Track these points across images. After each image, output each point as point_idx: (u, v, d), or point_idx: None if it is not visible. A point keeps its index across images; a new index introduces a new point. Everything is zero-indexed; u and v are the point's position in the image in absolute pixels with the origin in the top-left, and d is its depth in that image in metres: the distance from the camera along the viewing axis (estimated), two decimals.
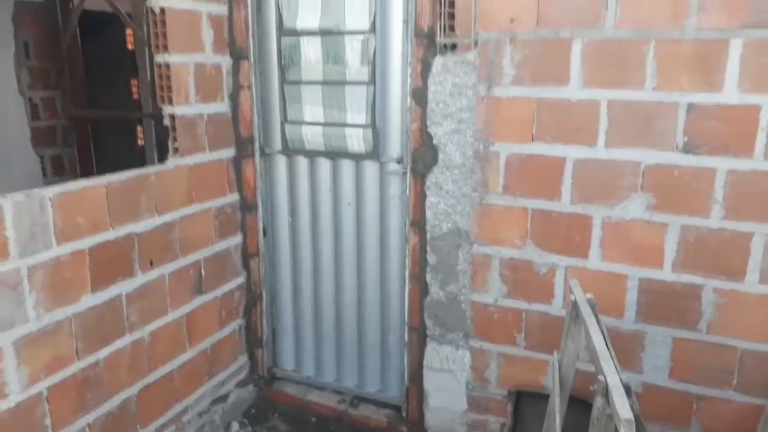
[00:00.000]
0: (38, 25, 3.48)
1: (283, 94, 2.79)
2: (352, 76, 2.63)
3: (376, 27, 2.54)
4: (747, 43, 1.89)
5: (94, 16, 3.60)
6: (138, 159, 3.45)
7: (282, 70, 2.77)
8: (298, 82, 2.75)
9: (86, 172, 3.66)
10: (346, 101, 2.66)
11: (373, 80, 2.59)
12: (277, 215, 2.98)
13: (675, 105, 2.01)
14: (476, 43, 2.27)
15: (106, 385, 2.22)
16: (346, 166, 2.76)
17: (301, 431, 2.94)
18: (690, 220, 2.07)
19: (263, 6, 2.73)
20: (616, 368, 1.52)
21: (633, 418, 1.30)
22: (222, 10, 2.69)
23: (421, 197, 2.51)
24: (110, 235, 2.18)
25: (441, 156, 2.42)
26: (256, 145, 2.86)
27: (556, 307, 2.34)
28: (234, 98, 2.79)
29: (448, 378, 2.64)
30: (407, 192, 2.56)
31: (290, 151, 2.85)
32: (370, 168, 2.71)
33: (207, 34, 2.61)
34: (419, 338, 2.67)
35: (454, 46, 2.31)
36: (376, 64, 2.57)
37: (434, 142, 2.42)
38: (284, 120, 2.82)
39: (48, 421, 1.99)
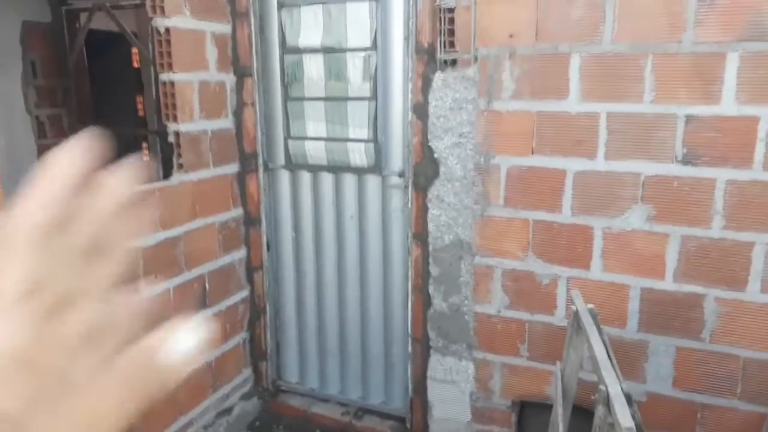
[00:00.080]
0: (45, 45, 3.47)
1: (287, 111, 2.77)
2: (354, 92, 2.61)
3: (378, 44, 2.52)
4: (744, 55, 1.87)
5: (100, 36, 3.58)
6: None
7: (285, 87, 2.75)
8: (301, 99, 2.73)
9: None
10: (349, 117, 2.64)
11: (374, 96, 2.57)
12: (281, 229, 2.94)
13: (674, 117, 1.98)
14: (476, 58, 2.25)
15: None
16: (349, 180, 2.73)
17: None
18: (690, 230, 2.04)
19: (266, 25, 2.71)
20: (617, 377, 1.49)
21: (634, 427, 1.27)
22: (226, 29, 2.67)
23: (423, 210, 2.47)
24: None
25: (442, 169, 2.39)
26: (260, 161, 2.83)
27: (559, 318, 2.30)
28: (238, 115, 2.76)
29: (452, 389, 2.59)
30: (409, 205, 2.53)
31: (293, 165, 2.82)
32: (373, 182, 2.68)
33: (211, 53, 2.59)
34: (423, 350, 2.63)
35: (454, 62, 2.29)
36: (377, 80, 2.55)
37: (435, 155, 2.40)
38: (287, 135, 2.80)
39: None
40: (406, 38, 2.43)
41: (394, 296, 2.75)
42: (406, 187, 2.55)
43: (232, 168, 2.77)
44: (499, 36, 2.19)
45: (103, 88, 3.75)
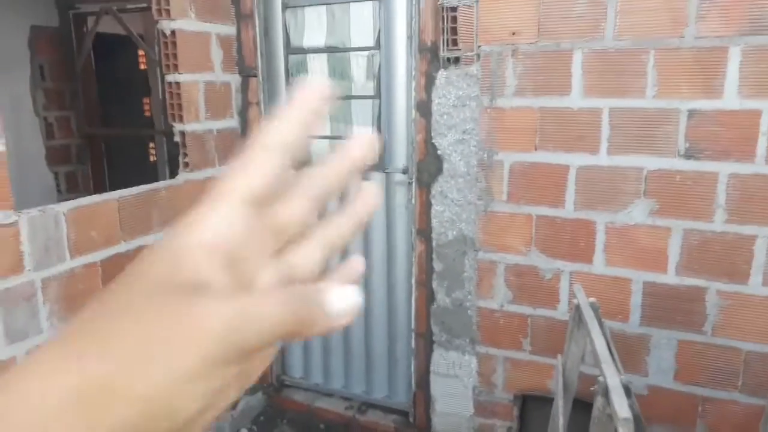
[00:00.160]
0: (53, 49, 3.42)
1: None
2: (358, 91, 2.56)
3: (381, 43, 2.46)
4: (745, 50, 1.82)
5: (107, 39, 3.54)
6: (150, 175, 3.36)
7: (290, 86, 2.70)
8: None
9: (99, 189, 3.58)
10: (353, 115, 2.58)
11: (378, 94, 2.52)
12: None
13: (676, 112, 1.93)
14: (479, 56, 2.19)
15: None
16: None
17: None
18: (693, 224, 1.98)
19: (271, 26, 2.66)
20: (617, 369, 1.44)
21: (632, 418, 1.23)
22: (231, 30, 2.62)
23: (426, 206, 2.42)
24: (122, 248, 2.09)
25: (446, 166, 2.34)
26: None
27: (561, 312, 2.24)
28: (243, 114, 2.71)
29: (455, 383, 2.53)
30: (413, 201, 2.48)
31: (298, 164, 2.76)
32: (376, 179, 2.62)
33: (216, 54, 2.54)
34: (426, 344, 2.57)
35: (457, 60, 2.24)
36: (381, 78, 2.49)
37: (439, 152, 2.34)
38: None
39: None
40: (409, 37, 2.38)
41: (398, 292, 2.69)
42: (410, 183, 2.49)
43: None
44: (501, 33, 2.14)
45: (110, 90, 3.70)
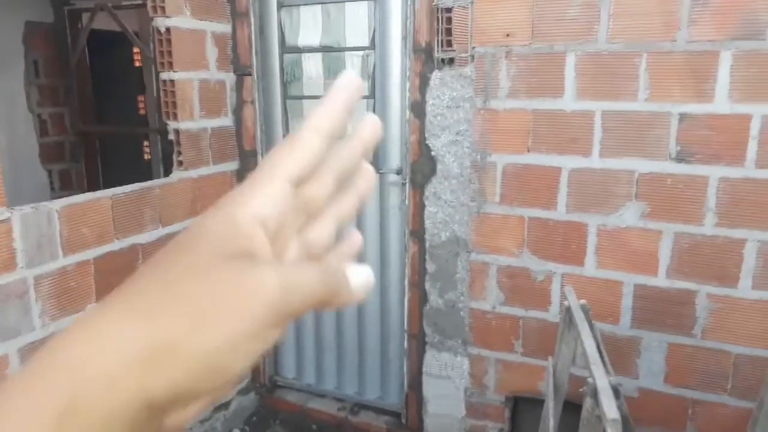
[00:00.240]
0: (48, 45, 3.44)
1: (286, 109, 2.75)
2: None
3: (376, 43, 2.50)
4: (736, 54, 1.85)
5: (102, 35, 3.56)
6: (145, 173, 3.39)
7: (284, 85, 2.72)
8: (301, 97, 2.70)
9: (93, 186, 3.60)
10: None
11: (372, 94, 2.55)
12: None
13: (668, 115, 1.97)
14: (473, 57, 2.23)
15: None
16: None
17: None
18: (684, 227, 2.02)
19: (266, 25, 2.69)
20: (606, 371, 1.47)
21: (620, 419, 1.26)
22: (226, 29, 2.65)
23: (420, 207, 2.45)
24: (115, 246, 2.12)
25: (439, 167, 2.37)
26: (259, 158, 2.80)
27: (553, 314, 2.27)
28: (237, 113, 2.74)
29: (447, 384, 2.57)
30: (406, 202, 2.51)
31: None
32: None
33: (211, 52, 2.57)
34: (418, 345, 2.60)
35: (451, 61, 2.27)
36: (375, 78, 2.53)
37: (432, 153, 2.37)
38: (287, 133, 2.77)
39: None
40: (404, 37, 2.41)
41: (391, 292, 2.72)
42: (404, 184, 2.52)
43: (232, 165, 2.75)
44: (495, 35, 2.17)
45: (104, 87, 3.72)
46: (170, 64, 2.36)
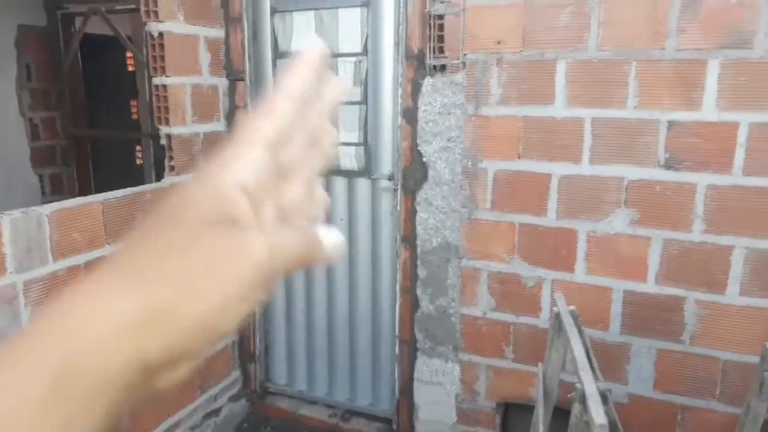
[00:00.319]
0: (40, 49, 3.46)
1: None
2: (345, 97, 2.61)
3: (368, 49, 2.52)
4: (724, 62, 1.89)
5: (95, 40, 3.58)
6: (137, 178, 3.40)
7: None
8: None
9: (84, 191, 3.61)
10: (339, 120, 2.64)
11: (365, 100, 2.57)
12: None
13: (656, 122, 2.00)
14: (464, 64, 2.25)
15: None
16: (339, 184, 2.72)
17: None
18: (672, 234, 2.05)
19: (259, 30, 2.71)
20: (594, 376, 1.49)
21: (608, 424, 1.28)
22: (219, 34, 2.67)
23: (411, 213, 2.47)
24: (106, 251, 2.12)
25: (431, 173, 2.39)
26: None
27: (543, 320, 2.30)
28: (230, 118, 2.75)
29: (438, 391, 2.58)
30: (398, 208, 2.53)
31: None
32: (362, 185, 2.67)
33: (204, 57, 2.59)
34: (410, 351, 2.62)
35: (443, 68, 2.30)
36: (368, 84, 2.55)
37: (424, 159, 2.40)
38: None
39: None
40: (397, 44, 2.44)
41: (383, 298, 2.74)
42: (396, 190, 2.55)
43: None
44: (487, 42, 2.20)
45: (97, 91, 3.74)
46: (163, 68, 2.38)
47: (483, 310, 2.40)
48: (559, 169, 2.17)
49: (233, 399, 2.96)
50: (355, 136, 2.62)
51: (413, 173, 2.44)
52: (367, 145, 2.61)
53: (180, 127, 2.46)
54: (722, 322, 2.04)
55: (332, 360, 2.93)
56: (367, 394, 2.89)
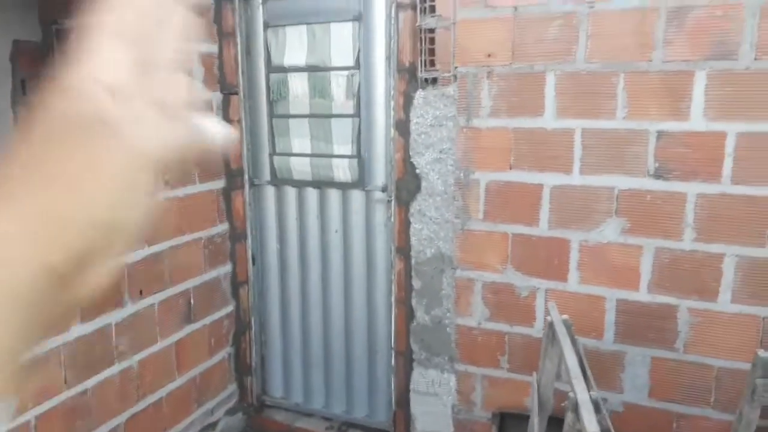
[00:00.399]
0: (35, 64, 3.48)
1: (272, 127, 2.79)
2: (337, 110, 2.64)
3: (360, 63, 2.56)
4: (711, 74, 1.92)
5: None
6: None
7: (270, 104, 2.77)
8: (286, 116, 2.75)
9: None
10: (333, 133, 2.66)
11: (358, 113, 2.60)
12: (266, 244, 2.94)
13: (645, 133, 2.03)
14: (455, 77, 2.29)
15: (95, 413, 2.15)
16: (333, 195, 2.74)
17: None
18: (663, 242, 2.07)
19: (252, 44, 2.74)
20: (587, 385, 1.50)
21: None
22: (212, 48, 2.70)
23: (405, 224, 2.49)
24: None
25: (424, 184, 2.42)
26: (246, 177, 2.84)
27: (538, 330, 2.31)
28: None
29: (435, 401, 2.59)
30: (392, 219, 2.55)
31: (279, 181, 2.84)
32: (356, 197, 2.70)
33: (197, 72, 2.61)
34: (406, 362, 2.63)
35: (434, 80, 2.33)
36: (360, 97, 2.58)
37: (417, 171, 2.42)
38: (273, 152, 2.81)
39: None
40: (388, 58, 2.47)
41: (378, 310, 2.75)
42: (389, 201, 2.57)
43: (218, 184, 2.78)
44: (477, 55, 2.24)
45: None
46: None
47: (478, 321, 2.42)
48: (550, 180, 2.19)
49: (230, 412, 2.96)
50: (348, 149, 2.65)
51: (406, 185, 2.46)
52: (361, 158, 2.63)
53: None
54: (715, 330, 2.06)
55: (328, 372, 2.94)
56: (364, 406, 2.89)
